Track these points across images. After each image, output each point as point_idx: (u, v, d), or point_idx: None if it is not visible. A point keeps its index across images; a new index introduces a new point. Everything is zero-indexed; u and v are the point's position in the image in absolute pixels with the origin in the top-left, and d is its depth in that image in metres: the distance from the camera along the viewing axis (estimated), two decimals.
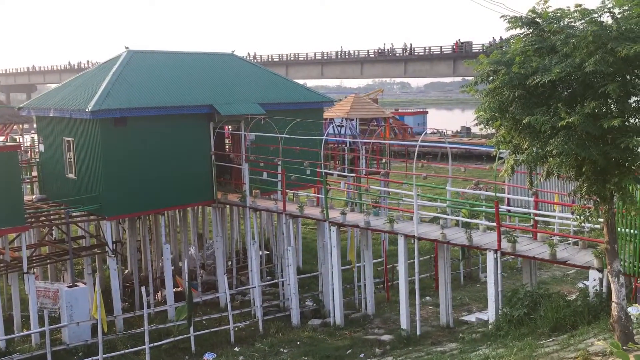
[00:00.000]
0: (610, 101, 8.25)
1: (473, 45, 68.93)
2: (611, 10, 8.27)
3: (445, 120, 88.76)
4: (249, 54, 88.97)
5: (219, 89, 21.27)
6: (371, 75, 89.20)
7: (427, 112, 79.47)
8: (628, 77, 8.23)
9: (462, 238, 15.21)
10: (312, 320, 18.76)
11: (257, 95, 21.95)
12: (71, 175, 19.38)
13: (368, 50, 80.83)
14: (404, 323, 16.21)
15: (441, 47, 73.24)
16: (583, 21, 8.49)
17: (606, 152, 8.17)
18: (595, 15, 8.28)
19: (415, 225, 15.86)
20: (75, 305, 17.08)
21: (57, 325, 16.85)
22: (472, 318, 16.94)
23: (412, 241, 16.18)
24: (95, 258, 21.23)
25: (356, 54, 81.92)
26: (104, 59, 23.10)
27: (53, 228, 21.17)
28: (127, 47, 21.32)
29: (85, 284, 18.59)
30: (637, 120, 8.48)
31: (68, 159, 19.41)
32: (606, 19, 8.36)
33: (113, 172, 18.23)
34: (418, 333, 15.93)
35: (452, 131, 69.22)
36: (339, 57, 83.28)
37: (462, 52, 68.92)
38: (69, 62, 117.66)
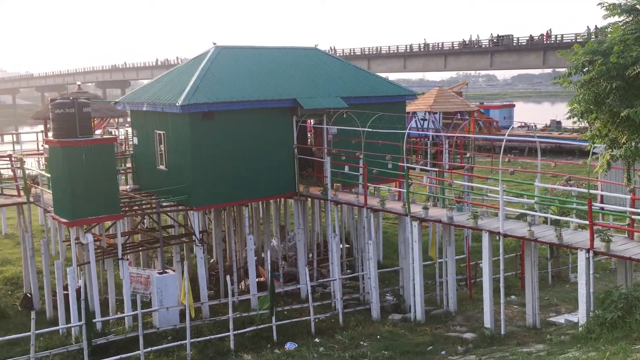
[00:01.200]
0: None
1: (564, 36, 65.85)
2: None
3: (534, 114, 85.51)
4: (331, 47, 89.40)
5: (303, 83, 21.50)
6: (455, 67, 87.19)
7: (514, 106, 76.91)
8: None
9: (551, 236, 14.60)
10: (392, 315, 18.66)
11: (339, 89, 22.01)
12: (162, 167, 20.25)
13: (452, 42, 79.12)
14: (487, 321, 15.80)
15: (531, 36, 70.38)
16: None
17: None
18: None
19: (501, 221, 15.39)
20: (165, 291, 17.87)
21: (148, 310, 17.68)
22: (560, 319, 16.25)
23: (497, 238, 15.72)
24: (183, 247, 22.09)
25: (440, 46, 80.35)
26: (192, 55, 23.92)
27: (145, 217, 22.22)
28: (214, 43, 21.97)
29: (174, 271, 19.41)
30: None
31: (159, 152, 20.27)
32: None
33: (200, 164, 18.88)
34: (502, 332, 15.48)
35: (540, 125, 66.55)
36: (422, 50, 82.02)
37: (552, 43, 66.01)
38: (157, 59, 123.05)
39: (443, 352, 14.84)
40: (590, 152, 12.52)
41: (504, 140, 17.05)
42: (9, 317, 19.34)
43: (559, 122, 64.13)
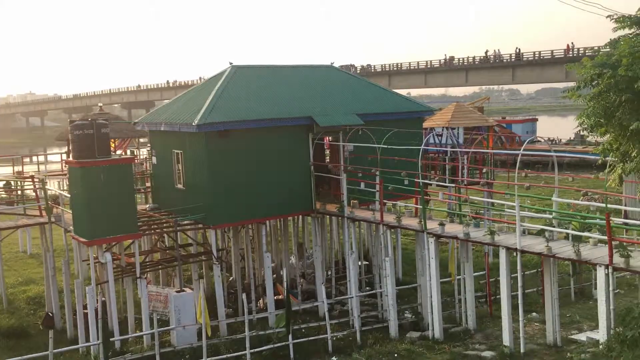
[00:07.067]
0: None
1: (586, 49, 65.27)
2: None
3: (558, 128, 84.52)
4: (350, 64, 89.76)
5: (318, 101, 21.61)
6: (477, 82, 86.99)
7: (536, 120, 76.05)
8: None
9: (570, 252, 14.35)
10: (411, 332, 18.44)
11: (355, 106, 22.06)
12: (180, 186, 20.44)
13: (474, 57, 78.88)
14: (506, 339, 15.53)
15: (552, 51, 70.01)
16: None
17: None
18: None
19: (518, 237, 15.18)
20: (183, 309, 17.92)
21: (166, 328, 17.74)
22: (582, 337, 15.91)
23: (515, 254, 15.50)
24: (202, 265, 22.20)
25: (461, 61, 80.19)
26: (210, 75, 24.19)
27: (164, 235, 22.40)
28: (231, 63, 22.23)
29: (192, 289, 19.48)
30: None
31: (177, 171, 20.49)
32: None
33: (217, 182, 19.02)
34: (522, 350, 15.20)
35: (564, 139, 65.67)
36: (443, 65, 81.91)
37: (574, 57, 65.44)
38: (167, 81, 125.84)
39: None
40: (607, 165, 12.30)
41: (520, 155, 16.84)
42: (30, 337, 19.59)
43: (582, 136, 63.21)
